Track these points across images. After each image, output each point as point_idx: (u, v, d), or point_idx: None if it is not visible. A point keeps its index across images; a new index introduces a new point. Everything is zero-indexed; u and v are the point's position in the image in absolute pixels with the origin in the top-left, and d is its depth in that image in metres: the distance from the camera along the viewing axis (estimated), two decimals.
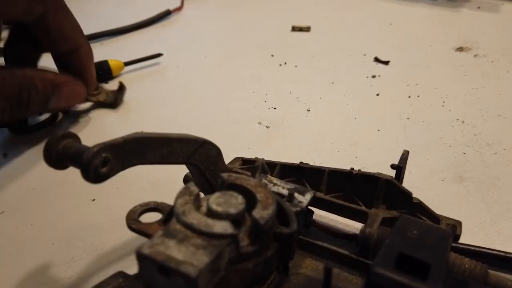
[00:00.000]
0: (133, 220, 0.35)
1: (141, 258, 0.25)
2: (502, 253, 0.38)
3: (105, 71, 0.70)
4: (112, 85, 0.70)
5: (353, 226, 0.43)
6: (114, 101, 0.64)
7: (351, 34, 0.84)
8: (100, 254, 0.42)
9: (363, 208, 0.39)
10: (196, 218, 0.27)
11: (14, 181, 0.52)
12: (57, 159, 0.34)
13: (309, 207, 0.42)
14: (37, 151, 0.57)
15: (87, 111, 0.65)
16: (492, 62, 0.70)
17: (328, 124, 0.57)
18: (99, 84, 0.70)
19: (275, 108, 0.61)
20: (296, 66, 0.71)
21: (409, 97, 0.61)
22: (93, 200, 0.49)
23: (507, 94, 0.61)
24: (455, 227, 0.37)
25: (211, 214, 0.28)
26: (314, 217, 0.42)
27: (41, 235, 0.44)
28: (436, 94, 0.62)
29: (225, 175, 0.33)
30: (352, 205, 0.39)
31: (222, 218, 0.27)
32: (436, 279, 0.26)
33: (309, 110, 0.60)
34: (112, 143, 0.34)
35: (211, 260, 0.24)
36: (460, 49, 0.74)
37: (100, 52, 0.78)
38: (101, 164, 0.33)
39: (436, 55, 0.73)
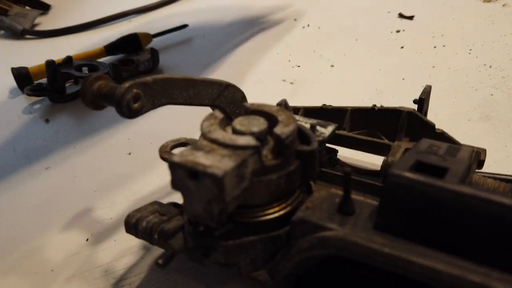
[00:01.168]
0: (165, 152, 0.37)
1: (172, 166, 0.27)
2: None
3: (135, 43, 0.73)
4: (143, 56, 0.74)
5: (378, 164, 0.44)
6: (151, 67, 0.68)
7: None
8: (137, 198, 0.45)
9: (386, 141, 0.40)
10: (221, 135, 0.29)
11: (57, 142, 0.56)
12: (93, 99, 0.36)
13: (333, 146, 0.43)
14: (75, 116, 0.61)
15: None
16: None
17: (352, 77, 0.58)
18: (130, 56, 0.74)
19: (299, 66, 0.62)
20: (319, 27, 0.72)
21: (435, 47, 0.61)
22: (129, 153, 0.52)
23: None
24: (479, 153, 0.37)
25: (235, 132, 0.30)
26: (339, 157, 0.43)
27: (84, 185, 0.48)
28: (462, 43, 0.61)
29: (247, 104, 0.34)
30: (375, 139, 0.40)
31: (245, 135, 0.29)
32: (453, 178, 0.26)
33: (333, 66, 0.61)
34: (143, 81, 0.36)
35: (236, 165, 0.26)
36: (488, 0, 0.72)
37: (129, 28, 0.82)
38: (133, 99, 0.36)
39: (462, 7, 0.72)
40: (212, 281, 0.36)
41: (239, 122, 0.30)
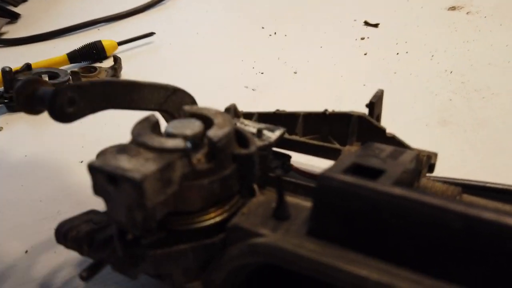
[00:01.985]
0: None
1: (92, 170, 0.25)
2: (481, 183, 0.37)
3: (98, 51, 0.72)
4: (107, 64, 0.72)
5: None
6: (112, 74, 0.66)
7: (341, 2, 0.84)
8: (84, 208, 0.43)
9: (337, 145, 0.39)
10: (150, 138, 0.28)
11: (8, 151, 0.53)
12: (27, 101, 0.35)
13: (287, 153, 0.42)
14: (31, 125, 0.59)
15: None
16: (485, 17, 0.68)
17: (314, 84, 0.57)
18: (94, 64, 0.72)
19: (262, 73, 0.61)
20: (285, 35, 0.71)
21: (397, 54, 0.61)
22: (81, 162, 0.50)
23: (499, 45, 0.59)
24: (430, 157, 0.36)
25: (168, 136, 0.28)
26: (293, 163, 0.42)
27: (30, 195, 0.46)
28: (425, 50, 0.61)
29: (187, 107, 0.33)
30: (326, 144, 0.39)
31: (176, 138, 0.28)
32: (387, 179, 0.25)
33: (296, 73, 0.60)
34: (78, 84, 0.35)
35: (159, 168, 0.25)
36: (452, 8, 0.73)
37: (97, 36, 0.80)
38: (68, 103, 0.35)
39: (427, 15, 0.72)
40: None
41: (172, 125, 0.29)
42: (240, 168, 0.30)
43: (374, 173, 0.27)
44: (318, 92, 0.55)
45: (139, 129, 0.29)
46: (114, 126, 0.55)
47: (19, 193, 0.46)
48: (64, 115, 0.34)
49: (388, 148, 0.32)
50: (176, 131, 0.28)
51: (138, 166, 0.24)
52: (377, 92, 0.40)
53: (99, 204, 0.43)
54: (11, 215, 0.43)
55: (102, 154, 0.37)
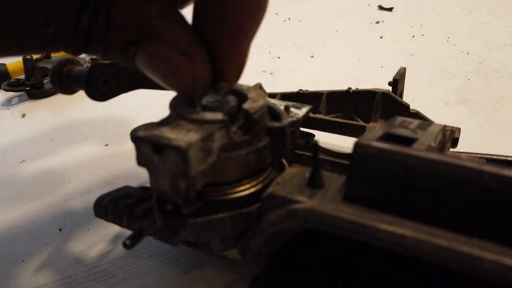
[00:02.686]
0: None
1: (136, 140, 0.26)
2: (503, 157, 0.38)
3: None
4: None
5: None
6: None
7: None
8: (112, 186, 0.44)
9: (361, 123, 0.40)
10: (189, 111, 0.29)
11: (33, 136, 0.55)
12: (62, 81, 0.36)
13: (310, 131, 0.43)
14: (53, 111, 0.60)
15: None
16: None
17: (331, 67, 0.58)
18: None
19: (279, 58, 0.62)
20: (300, 21, 0.72)
21: (413, 36, 0.61)
22: (106, 145, 0.51)
23: None
24: (453, 131, 0.37)
25: (204, 109, 0.29)
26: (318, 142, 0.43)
27: (59, 176, 0.47)
28: (440, 32, 0.61)
29: (223, 83, 0.34)
30: (350, 122, 0.40)
31: (214, 111, 0.29)
32: (421, 146, 0.26)
33: (312, 56, 0.61)
34: (112, 63, 0.36)
35: (201, 137, 0.25)
36: None
37: None
38: (103, 82, 0.36)
39: None
40: (186, 266, 0.35)
41: (208, 99, 0.30)
42: (273, 141, 0.31)
43: (407, 141, 0.27)
44: (335, 74, 0.56)
45: (176, 103, 0.30)
46: (135, 111, 0.57)
47: (48, 175, 0.47)
48: (99, 93, 0.35)
49: (415, 121, 0.33)
50: (213, 105, 0.29)
51: (181, 136, 0.25)
52: (400, 70, 0.41)
53: (126, 183, 0.45)
54: (42, 196, 0.44)
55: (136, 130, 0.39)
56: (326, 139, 0.45)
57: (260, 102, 0.29)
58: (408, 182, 0.25)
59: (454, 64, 0.54)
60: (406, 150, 0.25)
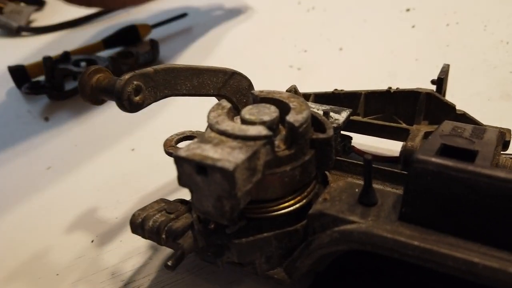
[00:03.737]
0: (170, 147, 0.35)
1: (179, 160, 0.25)
2: None
3: (133, 35, 0.71)
4: (143, 48, 0.71)
5: (394, 150, 0.42)
6: (151, 58, 0.65)
7: None
8: (142, 196, 0.43)
9: (404, 125, 0.37)
10: (230, 125, 0.27)
11: (58, 141, 0.54)
12: (92, 92, 0.34)
13: (347, 133, 0.41)
14: (75, 113, 0.59)
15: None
16: None
17: (362, 60, 0.55)
18: (128, 48, 0.71)
19: (305, 51, 0.59)
20: (325, 10, 0.69)
21: (447, 25, 0.58)
22: (133, 149, 0.50)
23: None
24: (503, 133, 0.35)
25: (245, 122, 0.28)
26: (353, 144, 0.41)
27: (87, 184, 0.46)
28: (476, 20, 0.58)
29: (256, 91, 0.32)
30: (392, 124, 0.38)
31: (255, 124, 0.27)
32: (485, 161, 0.24)
33: (341, 49, 0.58)
34: (143, 72, 0.34)
35: (247, 157, 0.24)
36: None
37: (128, 20, 0.79)
38: (134, 92, 0.34)
39: None
40: (225, 281, 0.34)
41: (248, 111, 0.28)
42: (317, 153, 0.29)
43: (467, 155, 0.25)
44: (368, 68, 0.53)
45: (215, 116, 0.29)
46: (159, 112, 0.55)
47: (75, 183, 0.46)
48: (132, 104, 0.33)
49: (467, 127, 0.31)
50: (253, 118, 0.27)
51: (226, 156, 0.24)
52: (443, 67, 0.38)
53: (156, 192, 0.44)
54: (71, 206, 0.43)
55: (169, 142, 0.37)
56: (361, 140, 0.43)
57: (305, 114, 0.28)
58: (471, 201, 0.23)
59: (494, 56, 0.51)
60: (470, 167, 0.23)
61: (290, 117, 0.27)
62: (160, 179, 0.45)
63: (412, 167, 0.24)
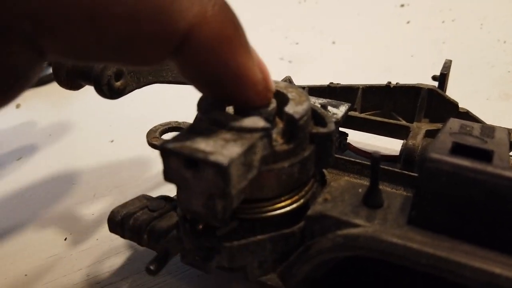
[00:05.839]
0: (154, 138, 0.32)
1: (166, 153, 0.22)
2: None
3: None
4: None
5: (392, 148, 0.40)
6: None
7: None
8: (121, 190, 0.40)
9: (404, 122, 0.36)
10: (223, 115, 0.24)
11: (30, 130, 0.50)
12: (67, 76, 0.31)
13: (343, 130, 0.39)
14: (50, 101, 0.55)
15: None
16: None
17: (356, 54, 0.53)
18: None
19: (297, 43, 0.57)
20: (316, 2, 0.67)
21: (443, 22, 0.57)
22: (112, 141, 0.47)
23: None
24: (509, 134, 0.33)
25: (239, 113, 0.25)
26: (349, 141, 0.39)
27: (61, 176, 0.43)
28: (472, 17, 0.57)
29: None
30: (392, 121, 0.36)
31: (251, 115, 0.24)
32: (502, 162, 0.22)
33: (334, 42, 0.56)
34: None
35: (244, 151, 0.21)
36: None
37: None
38: (114, 77, 0.31)
39: None
40: (210, 285, 0.31)
41: None
42: (317, 149, 0.26)
43: (482, 155, 0.23)
44: (362, 63, 0.51)
45: (206, 104, 0.26)
46: (141, 102, 0.52)
47: (49, 175, 0.43)
48: (112, 90, 0.30)
49: (475, 125, 0.29)
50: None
51: (219, 149, 0.21)
52: (446, 63, 0.37)
53: (137, 187, 0.41)
54: (44, 200, 0.40)
55: (153, 133, 0.34)
56: (357, 137, 0.41)
57: (305, 105, 0.25)
58: (490, 205, 0.21)
59: (492, 54, 0.50)
60: (490, 168, 0.21)
61: (289, 108, 0.25)
62: (142, 173, 0.42)
63: (425, 167, 0.22)
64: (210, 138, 0.22)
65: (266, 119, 0.24)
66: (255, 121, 0.23)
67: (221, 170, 0.20)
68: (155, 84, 0.33)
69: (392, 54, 0.52)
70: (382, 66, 0.50)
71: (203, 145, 0.21)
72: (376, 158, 0.22)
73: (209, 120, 0.24)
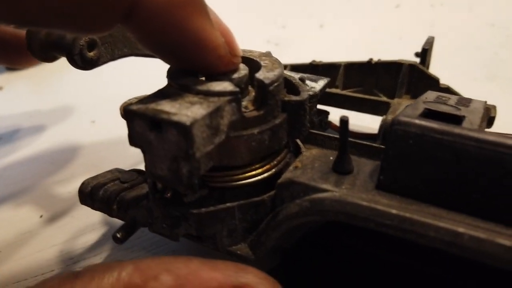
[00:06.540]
0: None
1: (130, 116, 0.21)
2: None
3: None
4: None
5: (374, 128, 0.39)
6: None
7: None
8: (99, 169, 0.39)
9: (384, 98, 0.35)
10: (192, 80, 0.24)
11: (11, 111, 0.49)
12: (41, 48, 0.31)
13: (325, 109, 0.38)
14: (33, 83, 0.55)
15: None
16: None
17: (343, 37, 0.52)
18: None
19: (284, 27, 0.56)
20: None
21: (432, 6, 0.56)
22: (93, 122, 0.46)
23: None
24: (488, 109, 0.33)
25: (209, 79, 0.24)
26: (331, 120, 0.38)
27: (40, 156, 0.42)
28: (461, 1, 0.56)
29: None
30: (372, 97, 0.35)
31: (222, 81, 0.24)
32: (472, 126, 0.22)
33: (322, 26, 0.55)
34: None
35: (208, 112, 0.21)
36: None
37: None
38: (88, 46, 0.30)
39: None
40: None
41: None
42: (289, 118, 0.26)
43: (453, 120, 0.23)
44: (349, 46, 0.51)
45: (176, 71, 0.25)
46: (125, 83, 0.51)
47: (28, 155, 0.42)
48: (85, 60, 0.29)
49: (453, 97, 0.28)
50: (220, 74, 0.24)
51: (184, 110, 0.21)
52: (428, 39, 0.36)
53: (116, 166, 0.40)
54: (21, 178, 0.39)
55: (123, 104, 0.33)
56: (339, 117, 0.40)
57: (277, 72, 0.25)
58: (459, 167, 0.20)
59: (479, 37, 0.49)
60: (457, 129, 0.20)
61: (260, 74, 0.24)
62: (122, 153, 0.41)
63: (392, 130, 0.21)
64: (176, 101, 0.22)
65: (237, 85, 0.24)
66: (224, 86, 0.23)
67: (183, 130, 0.20)
68: (139, 65, 0.32)
69: (381, 37, 0.52)
70: (370, 49, 0.49)
71: (168, 107, 0.21)
72: (344, 121, 0.22)
73: (178, 85, 0.24)
